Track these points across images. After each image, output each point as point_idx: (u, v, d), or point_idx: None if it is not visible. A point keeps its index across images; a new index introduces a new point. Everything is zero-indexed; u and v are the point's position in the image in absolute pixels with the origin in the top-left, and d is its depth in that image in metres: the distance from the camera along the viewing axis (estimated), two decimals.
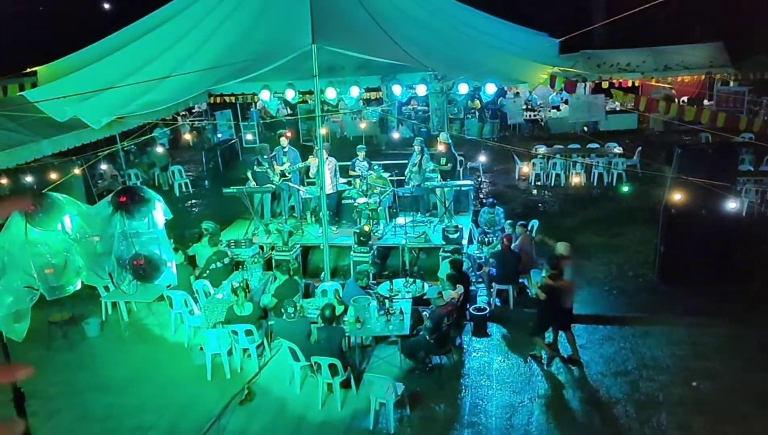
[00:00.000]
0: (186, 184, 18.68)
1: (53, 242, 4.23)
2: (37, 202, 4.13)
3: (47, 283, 4.20)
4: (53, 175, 11.66)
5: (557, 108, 24.94)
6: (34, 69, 9.44)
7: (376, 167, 12.80)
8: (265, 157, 12.56)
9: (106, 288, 10.11)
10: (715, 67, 22.30)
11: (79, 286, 4.47)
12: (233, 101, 20.31)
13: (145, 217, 4.49)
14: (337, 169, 12.58)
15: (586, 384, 8.37)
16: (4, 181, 14.07)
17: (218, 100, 19.00)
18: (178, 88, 9.29)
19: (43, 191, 4.36)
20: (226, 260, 10.73)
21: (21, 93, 9.16)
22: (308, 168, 12.90)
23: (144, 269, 4.39)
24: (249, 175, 12.77)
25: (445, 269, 10.26)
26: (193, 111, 25.35)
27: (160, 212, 4.63)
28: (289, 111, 23.86)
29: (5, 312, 4.31)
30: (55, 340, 10.01)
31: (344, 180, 13.13)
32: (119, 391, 8.76)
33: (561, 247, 9.64)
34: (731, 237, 10.43)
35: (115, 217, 4.36)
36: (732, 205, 9.99)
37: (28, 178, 12.78)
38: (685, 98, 23.90)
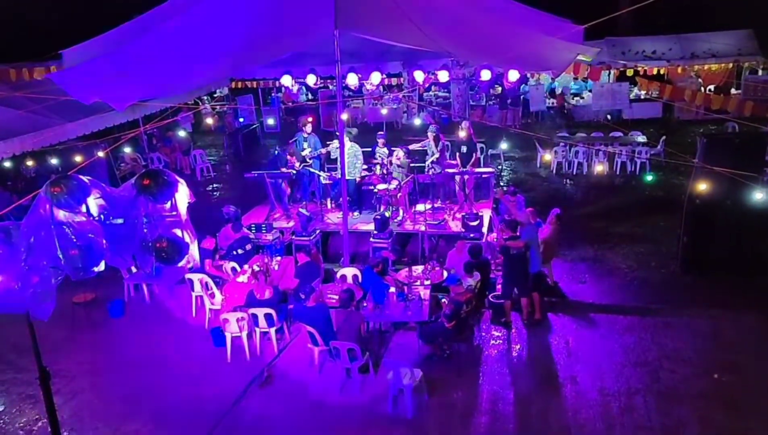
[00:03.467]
0: (207, 168, 18.82)
1: (78, 224, 4.29)
2: (62, 183, 4.18)
3: (72, 264, 4.26)
4: (77, 158, 11.82)
5: (580, 96, 24.65)
6: (59, 52, 9.52)
7: (397, 150, 12.73)
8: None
9: (129, 270, 10.25)
10: (744, 55, 21.84)
11: (102, 268, 4.53)
12: (255, 86, 20.39)
13: (169, 200, 4.53)
14: (360, 155, 12.55)
15: (606, 373, 8.31)
16: (31, 162, 14.31)
17: (240, 85, 19.08)
18: (202, 72, 9.32)
19: (68, 173, 4.41)
20: (248, 246, 10.82)
21: (47, 75, 9.24)
22: (329, 153, 12.93)
23: (166, 251, 4.43)
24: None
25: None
26: (215, 96, 25.51)
27: (182, 196, 4.67)
28: (311, 96, 23.89)
29: (31, 292, 4.39)
30: (78, 321, 10.18)
31: (364, 166, 13.12)
32: (141, 372, 8.90)
33: (521, 215, 9.75)
34: (757, 228, 10.25)
35: (138, 199, 4.40)
36: (758, 195, 9.81)
37: (53, 161, 13.00)
38: (711, 87, 23.48)
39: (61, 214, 4.23)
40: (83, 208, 4.32)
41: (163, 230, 4.43)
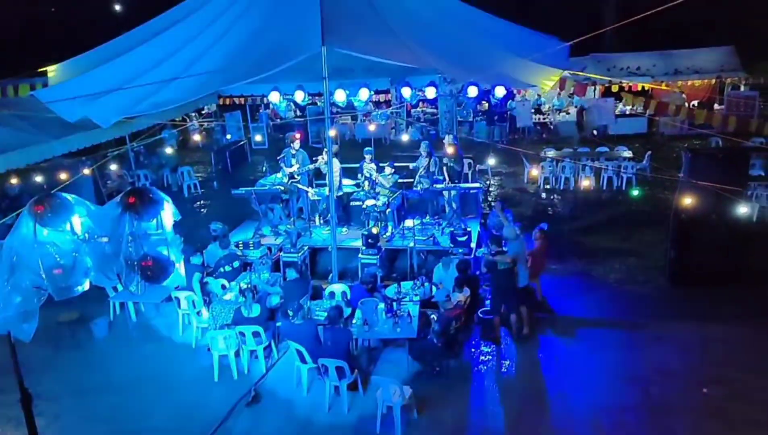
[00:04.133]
0: (195, 185, 18.73)
1: (62, 242, 4.22)
2: (46, 202, 4.12)
3: (56, 283, 4.19)
4: (63, 175, 11.70)
5: (566, 111, 24.85)
6: (44, 69, 9.46)
7: (385, 167, 12.74)
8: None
9: (114, 288, 10.12)
10: (726, 71, 22.18)
11: (87, 287, 4.45)
12: (243, 103, 20.36)
13: (154, 218, 4.48)
14: (341, 171, 12.55)
15: (597, 389, 8.29)
16: (15, 180, 14.16)
17: (228, 101, 19.03)
18: (188, 88, 9.30)
19: (53, 191, 4.35)
20: (236, 264, 10.74)
21: (32, 93, 9.17)
22: (318, 169, 12.90)
23: (152, 270, 4.37)
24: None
25: (439, 273, 10.27)
26: (203, 112, 25.44)
27: (168, 213, 4.61)
28: (299, 113, 23.91)
29: (13, 312, 4.31)
30: (62, 340, 10.03)
31: (352, 182, 13.11)
32: (126, 392, 8.75)
33: (507, 231, 9.77)
34: (742, 242, 10.33)
35: (123, 217, 4.35)
36: (743, 209, 9.90)
37: (38, 178, 12.86)
38: (695, 102, 23.77)
39: (45, 233, 4.17)
40: (67, 227, 4.27)
41: (148, 249, 4.38)
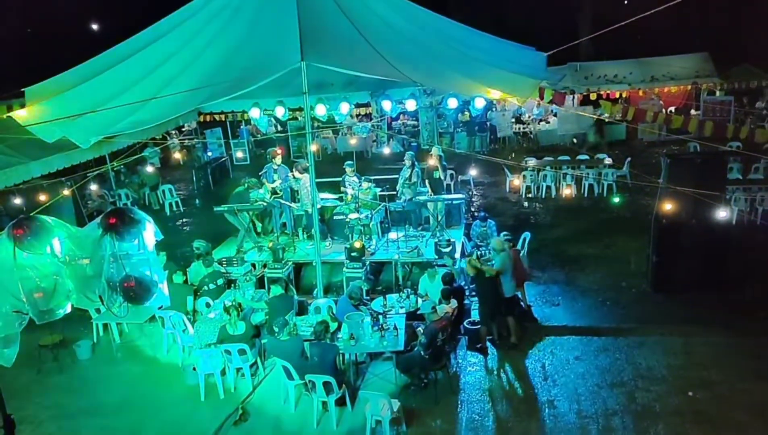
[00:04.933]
0: (177, 203, 18.60)
1: (42, 265, 4.17)
2: (25, 225, 4.08)
3: (36, 307, 4.13)
4: (42, 197, 11.58)
5: (546, 120, 25.08)
6: (21, 90, 9.38)
7: (362, 182, 12.77)
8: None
9: (98, 310, 10.02)
10: (701, 77, 22.53)
11: (69, 310, 4.40)
12: (223, 119, 20.30)
13: (135, 238, 4.44)
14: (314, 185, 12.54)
15: (583, 395, 8.33)
16: None
17: (208, 118, 18.95)
18: (167, 106, 9.26)
19: (32, 214, 4.31)
20: (220, 282, 10.68)
21: (8, 114, 9.09)
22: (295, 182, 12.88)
23: (135, 291, 4.33)
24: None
25: (424, 284, 10.30)
26: (183, 129, 25.33)
27: (150, 233, 4.58)
28: (280, 128, 23.90)
29: None
30: (45, 364, 9.89)
31: (333, 196, 13.11)
32: (111, 414, 8.65)
33: (494, 242, 9.93)
34: (722, 245, 10.46)
35: (104, 239, 4.31)
36: (722, 213, 10.03)
37: (17, 200, 12.71)
38: (672, 108, 24.11)
39: (25, 257, 4.12)
40: (48, 250, 4.22)
41: (130, 269, 4.35)
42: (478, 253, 10.19)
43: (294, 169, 12.71)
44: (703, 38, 24.02)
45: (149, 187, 19.14)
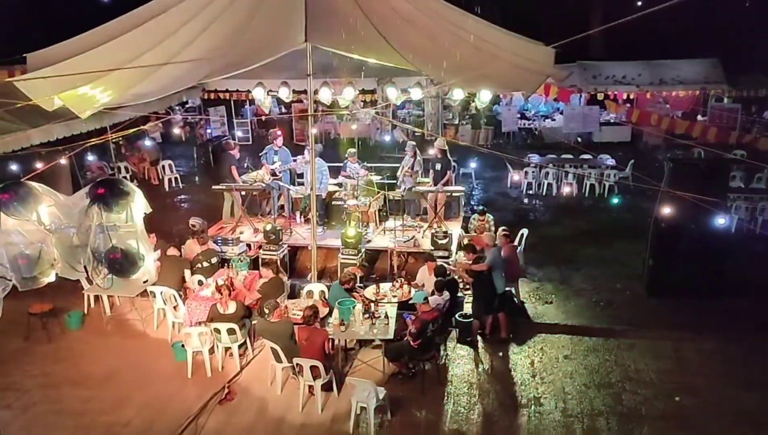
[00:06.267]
0: (176, 179, 18.55)
1: (28, 232, 4.13)
2: (12, 190, 4.03)
3: (20, 273, 4.09)
4: (39, 165, 11.51)
5: (551, 117, 24.97)
6: (23, 55, 9.29)
7: (363, 171, 12.73)
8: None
9: (89, 281, 9.98)
10: (710, 83, 22.35)
11: (53, 278, 4.36)
12: (227, 98, 20.20)
13: (124, 210, 4.39)
14: (326, 171, 12.50)
15: (569, 395, 8.31)
16: None
17: (212, 96, 18.89)
18: (170, 79, 9.19)
19: (21, 180, 4.25)
20: (214, 260, 10.64)
21: (8, 79, 8.99)
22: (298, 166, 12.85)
23: (120, 263, 4.29)
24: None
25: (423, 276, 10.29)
26: (187, 106, 25.19)
27: (139, 206, 4.53)
28: (284, 110, 23.79)
29: None
30: (34, 332, 9.86)
31: (334, 181, 13.06)
32: (97, 386, 8.63)
33: (485, 237, 9.96)
34: (719, 253, 10.40)
35: (92, 208, 4.25)
36: (721, 220, 9.98)
37: (13, 167, 12.64)
38: (678, 112, 23.96)
39: (11, 222, 4.07)
40: (34, 216, 4.17)
41: (117, 241, 4.29)
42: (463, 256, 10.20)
43: (349, 156, 12.82)
44: (714, 44, 23.82)
45: (149, 161, 19.06)
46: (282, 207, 13.19)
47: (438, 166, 12.83)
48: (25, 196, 4.07)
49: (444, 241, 11.11)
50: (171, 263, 10.27)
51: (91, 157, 17.31)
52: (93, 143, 8.72)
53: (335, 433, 7.67)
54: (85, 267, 4.39)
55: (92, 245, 4.23)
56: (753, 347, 9.23)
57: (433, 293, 9.38)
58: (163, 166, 18.74)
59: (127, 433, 7.70)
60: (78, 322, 10.21)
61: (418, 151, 13.10)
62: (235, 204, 12.90)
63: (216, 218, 13.17)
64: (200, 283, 10.23)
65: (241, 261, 10.77)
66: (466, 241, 11.22)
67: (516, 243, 11.42)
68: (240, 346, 9.06)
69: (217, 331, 8.80)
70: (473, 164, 17.86)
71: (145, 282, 5.71)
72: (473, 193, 17.39)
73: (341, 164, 13.14)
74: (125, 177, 17.62)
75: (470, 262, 9.69)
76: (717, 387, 8.37)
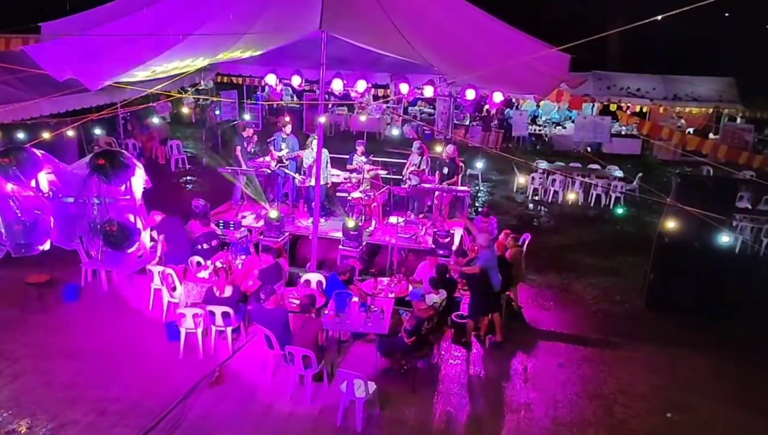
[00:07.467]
0: (183, 159, 18.54)
1: (25, 198, 4.10)
2: (12, 154, 3.99)
3: (15, 239, 4.06)
4: (46, 135, 11.50)
5: (562, 125, 24.87)
6: (38, 24, 9.27)
7: (368, 166, 12.70)
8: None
9: (88, 253, 9.96)
10: (724, 101, 22.23)
11: (47, 247, 4.33)
12: (240, 82, 20.14)
13: (123, 183, 4.35)
14: (329, 161, 12.46)
15: (561, 402, 8.26)
16: None
17: (225, 79, 18.83)
18: (181, 59, 9.15)
19: (22, 145, 4.22)
20: (214, 242, 10.62)
21: (22, 47, 8.97)
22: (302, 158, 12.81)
23: (116, 236, 4.25)
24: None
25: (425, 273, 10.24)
26: (199, 87, 25.09)
27: (139, 180, 4.49)
28: (295, 98, 23.76)
29: None
30: (30, 302, 9.86)
31: (339, 172, 13.03)
32: (89, 359, 8.62)
33: (481, 238, 9.79)
34: (722, 272, 10.33)
35: (91, 179, 4.22)
36: (726, 239, 9.90)
37: (21, 135, 12.64)
38: (690, 129, 23.83)
39: (8, 187, 4.03)
40: (33, 183, 4.14)
41: (114, 213, 4.26)
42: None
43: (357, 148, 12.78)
44: (732, 63, 23.67)
45: (159, 140, 19.05)
46: (287, 195, 13.16)
47: (446, 170, 12.81)
48: (24, 162, 4.04)
49: (446, 240, 11.06)
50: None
51: (98, 132, 17.29)
52: (102, 116, 8.64)
53: (323, 424, 7.64)
54: (80, 238, 4.36)
55: (89, 216, 4.20)
56: (748, 368, 9.15)
57: (430, 292, 9.34)
58: (171, 146, 18.72)
59: (115, 409, 7.67)
60: (74, 295, 10.20)
61: (426, 150, 13.05)
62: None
63: (220, 201, 13.15)
64: (198, 264, 10.21)
65: (242, 246, 10.75)
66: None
67: None
68: (233, 331, 9.04)
69: (212, 313, 8.78)
70: (480, 165, 17.77)
71: (139, 258, 5.68)
72: (478, 194, 17.32)
73: (347, 156, 13.10)
74: (119, 150, 17.58)
75: (461, 266, 9.67)
76: (710, 406, 8.30)
